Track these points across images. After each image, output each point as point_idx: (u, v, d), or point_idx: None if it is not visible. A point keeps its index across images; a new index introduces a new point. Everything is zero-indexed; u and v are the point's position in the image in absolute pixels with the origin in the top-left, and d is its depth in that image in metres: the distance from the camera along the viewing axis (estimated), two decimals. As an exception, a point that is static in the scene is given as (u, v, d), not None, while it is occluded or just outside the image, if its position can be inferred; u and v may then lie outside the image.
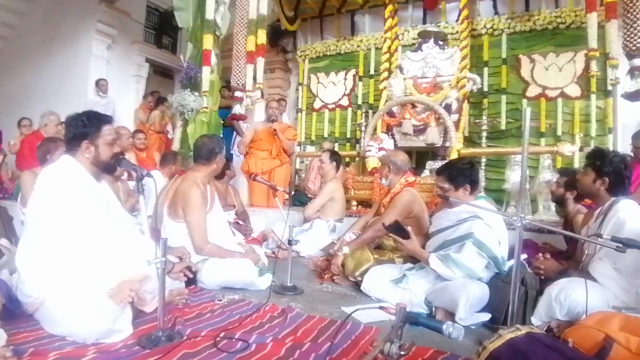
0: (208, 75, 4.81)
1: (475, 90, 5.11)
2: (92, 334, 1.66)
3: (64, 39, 7.16)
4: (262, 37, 4.97)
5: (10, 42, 7.77)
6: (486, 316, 2.15)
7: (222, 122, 5.63)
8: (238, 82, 4.83)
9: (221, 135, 4.94)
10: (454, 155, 4.41)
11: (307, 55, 7.13)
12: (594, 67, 4.12)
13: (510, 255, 2.20)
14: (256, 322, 2.03)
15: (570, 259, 2.55)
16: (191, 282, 2.47)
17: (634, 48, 3.41)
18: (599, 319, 1.54)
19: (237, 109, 4.95)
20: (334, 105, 6.87)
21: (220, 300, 2.36)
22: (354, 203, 4.84)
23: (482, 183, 4.69)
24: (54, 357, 1.49)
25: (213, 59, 4.88)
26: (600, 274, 1.98)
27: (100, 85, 6.81)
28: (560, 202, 3.21)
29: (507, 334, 1.35)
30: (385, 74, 5.61)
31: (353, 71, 6.76)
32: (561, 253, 2.96)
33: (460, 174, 2.48)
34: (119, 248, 1.86)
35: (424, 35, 5.37)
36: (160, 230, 2.61)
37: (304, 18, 7.02)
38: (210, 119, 5.05)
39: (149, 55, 8.04)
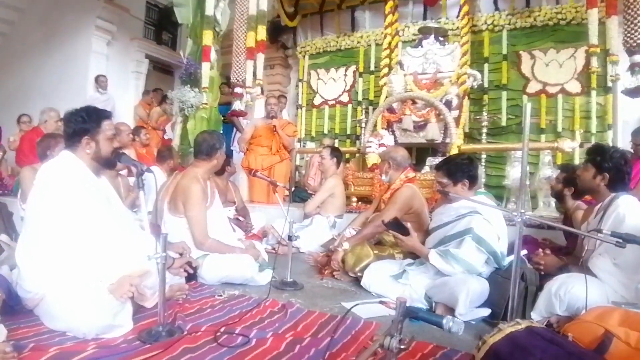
0: (208, 72, 4.79)
1: (476, 87, 5.11)
2: (92, 329, 1.66)
3: (64, 35, 7.15)
4: (262, 33, 4.95)
5: (10, 38, 7.77)
6: (486, 311, 2.16)
7: (222, 118, 5.61)
8: (238, 78, 4.81)
9: (221, 132, 4.94)
10: (454, 152, 4.40)
11: (307, 51, 7.10)
12: (594, 63, 4.10)
13: (510, 250, 2.21)
14: (256, 318, 2.04)
15: (570, 254, 2.55)
16: (191, 277, 2.47)
17: (635, 44, 3.40)
18: (599, 314, 1.54)
19: (237, 105, 4.93)
20: (334, 102, 6.85)
21: (221, 295, 2.37)
22: (354, 199, 4.84)
23: (482, 179, 4.69)
24: (54, 352, 1.50)
25: (213, 55, 4.86)
26: (600, 269, 1.99)
27: (100, 82, 6.81)
28: (559, 197, 3.24)
29: (508, 328, 1.36)
30: (386, 70, 5.58)
31: (353, 67, 6.73)
32: (561, 249, 2.96)
33: (459, 169, 2.50)
34: (119, 243, 1.86)
35: (425, 31, 5.35)
36: (160, 226, 2.61)
37: (304, 14, 6.99)
38: (210, 115, 5.05)
39: (149, 52, 8.03)
